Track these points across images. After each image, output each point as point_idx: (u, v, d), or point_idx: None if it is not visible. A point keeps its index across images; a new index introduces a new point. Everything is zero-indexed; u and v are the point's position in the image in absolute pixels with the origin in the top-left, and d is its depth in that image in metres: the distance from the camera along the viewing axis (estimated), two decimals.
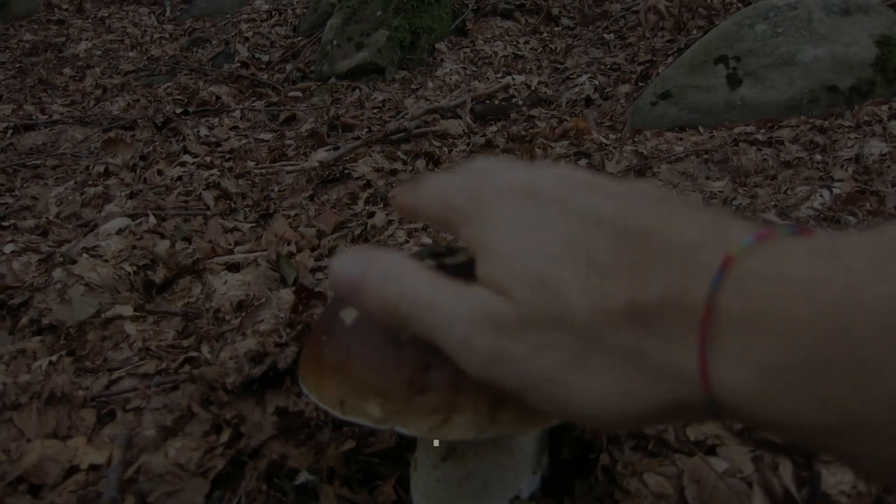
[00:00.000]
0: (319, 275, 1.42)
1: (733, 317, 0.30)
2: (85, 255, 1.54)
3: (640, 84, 3.22)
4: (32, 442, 0.91)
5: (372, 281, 0.45)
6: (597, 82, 3.25)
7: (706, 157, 2.00)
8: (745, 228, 0.33)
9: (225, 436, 0.85)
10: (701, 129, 2.51)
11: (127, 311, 1.29)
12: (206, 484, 0.76)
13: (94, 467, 0.86)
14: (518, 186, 0.43)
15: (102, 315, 1.29)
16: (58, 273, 1.54)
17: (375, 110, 3.21)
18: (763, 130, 2.26)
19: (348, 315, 0.64)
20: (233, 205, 2.14)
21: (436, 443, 0.72)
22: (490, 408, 0.55)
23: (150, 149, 2.83)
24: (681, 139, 2.30)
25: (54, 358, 1.18)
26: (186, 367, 1.07)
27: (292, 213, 2.00)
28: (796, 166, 1.90)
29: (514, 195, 0.42)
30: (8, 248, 1.83)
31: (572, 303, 0.36)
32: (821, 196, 1.59)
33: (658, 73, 3.09)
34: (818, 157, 1.96)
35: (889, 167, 1.84)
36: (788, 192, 1.68)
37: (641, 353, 0.34)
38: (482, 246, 0.42)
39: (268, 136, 3.00)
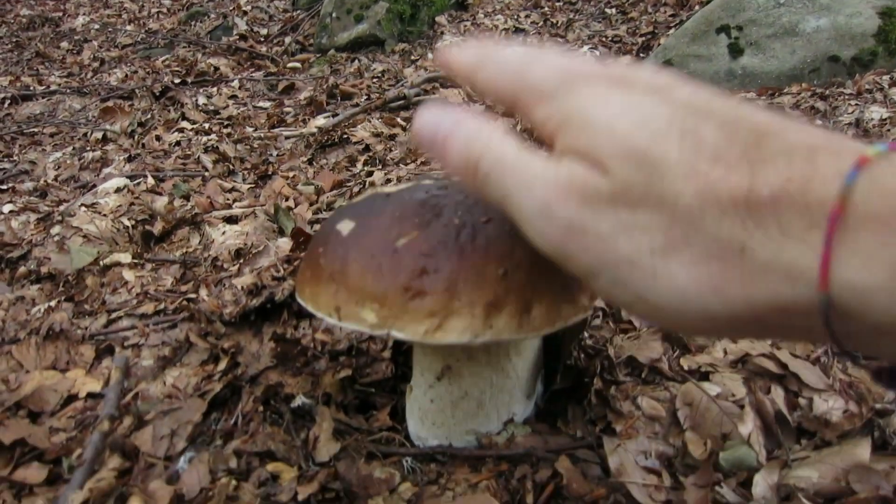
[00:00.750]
0: (317, 226, 1.42)
1: (868, 213, 0.29)
2: (83, 209, 1.54)
3: (642, 55, 3.20)
4: (31, 373, 0.91)
5: (459, 135, 0.43)
6: (598, 53, 3.23)
7: None
8: (866, 142, 0.32)
9: (222, 364, 0.86)
10: None
11: (125, 258, 1.29)
12: (203, 404, 0.76)
13: (92, 395, 0.87)
14: (611, 74, 0.39)
15: (101, 262, 1.29)
16: (56, 230, 1.54)
17: (375, 80, 3.19)
18: (764, 98, 2.25)
19: (345, 226, 0.64)
20: (231, 167, 2.14)
21: (431, 373, 0.73)
22: (485, 312, 0.56)
23: (149, 116, 2.82)
24: None
25: (52, 303, 1.19)
26: (185, 309, 1.08)
27: (291, 174, 1.99)
28: None
29: (607, 80, 0.39)
30: (6, 209, 1.83)
31: (676, 184, 0.33)
32: None
33: (659, 44, 3.07)
34: (818, 122, 1.95)
35: (889, 131, 1.83)
36: None
37: (745, 249, 0.32)
38: (571, 118, 0.38)
39: (266, 104, 2.98)
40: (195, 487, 0.66)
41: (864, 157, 0.30)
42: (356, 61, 3.56)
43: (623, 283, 0.37)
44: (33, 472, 0.72)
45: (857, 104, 2.09)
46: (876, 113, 1.98)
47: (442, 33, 3.92)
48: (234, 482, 0.65)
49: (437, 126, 0.44)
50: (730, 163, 0.33)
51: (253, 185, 1.95)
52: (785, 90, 2.38)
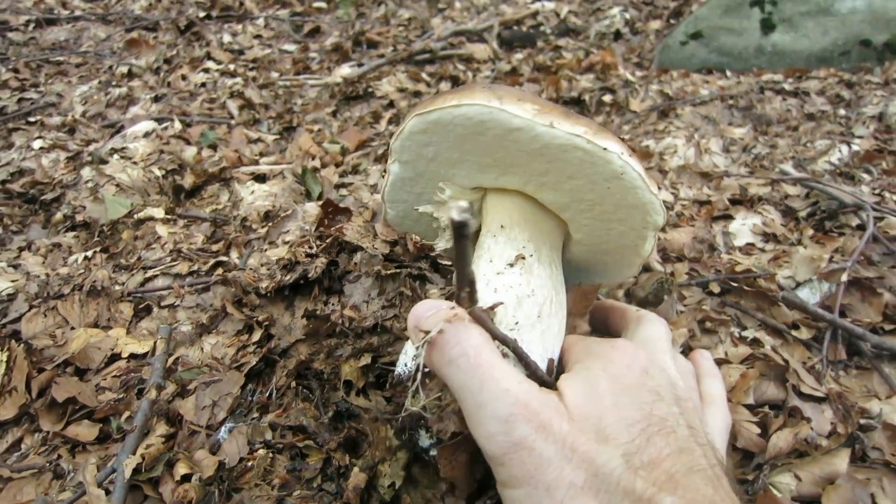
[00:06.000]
0: (343, 191, 1.46)
1: None
2: (115, 156, 1.58)
3: (672, 21, 3.15)
4: (76, 330, 0.98)
5: (450, 327, 0.55)
6: (628, 16, 3.18)
7: (731, 102, 1.99)
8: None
9: (256, 335, 0.91)
10: (728, 73, 2.48)
11: (159, 213, 1.34)
12: (241, 377, 0.82)
13: (133, 356, 0.93)
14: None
15: (134, 215, 1.34)
16: (87, 172, 1.58)
17: (401, 28, 3.16)
18: (790, 80, 2.23)
19: None
20: (256, 115, 2.16)
21: None
22: None
23: (174, 52, 2.82)
24: (707, 81, 2.28)
25: (89, 253, 1.25)
26: (217, 270, 1.13)
27: (315, 127, 2.02)
28: (819, 119, 1.90)
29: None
30: (37, 144, 1.87)
31: (615, 456, 0.51)
32: (839, 151, 1.60)
33: (691, 12, 3.02)
34: (842, 112, 1.95)
35: None
36: (808, 144, 1.69)
37: None
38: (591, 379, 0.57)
39: (291, 47, 2.97)
40: (235, 457, 0.73)
41: None
42: (383, 6, 3.52)
43: (530, 501, 0.49)
44: (85, 430, 0.79)
45: (882, 95, 2.09)
46: None
47: None
48: (269, 455, 0.72)
49: (432, 309, 0.57)
50: (646, 473, 0.48)
51: (278, 137, 1.98)
52: (812, 73, 2.37)
